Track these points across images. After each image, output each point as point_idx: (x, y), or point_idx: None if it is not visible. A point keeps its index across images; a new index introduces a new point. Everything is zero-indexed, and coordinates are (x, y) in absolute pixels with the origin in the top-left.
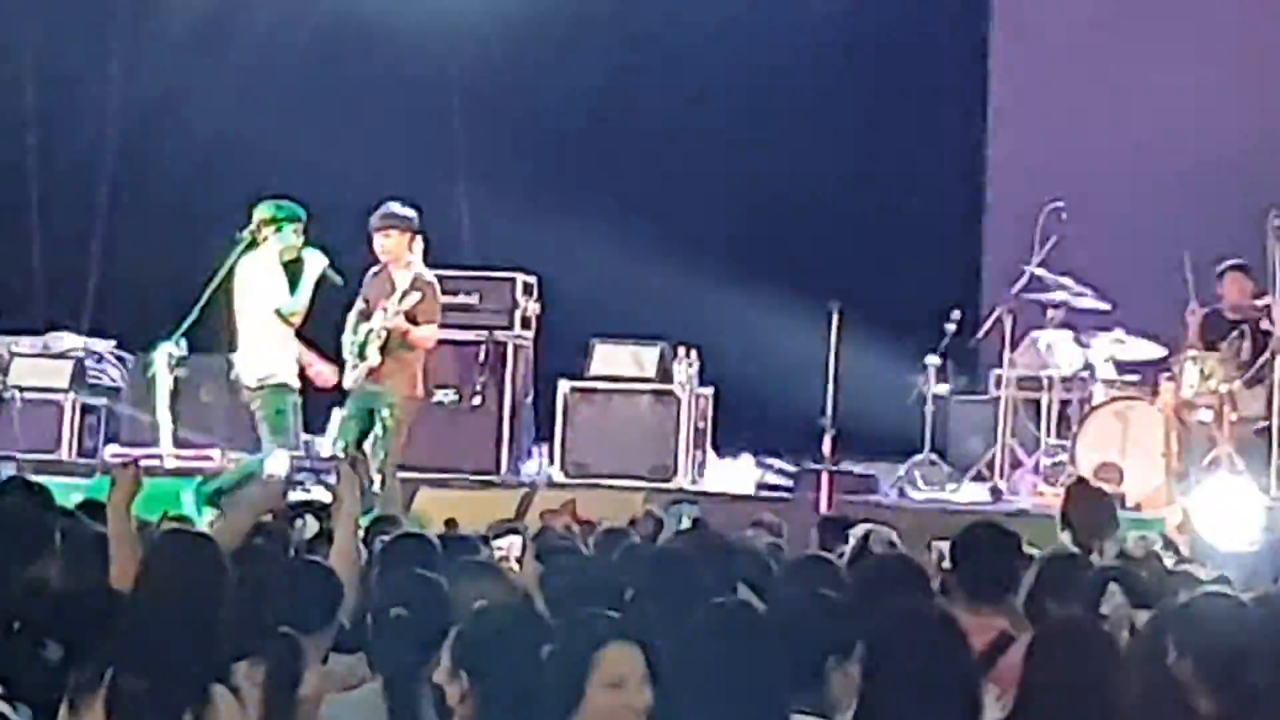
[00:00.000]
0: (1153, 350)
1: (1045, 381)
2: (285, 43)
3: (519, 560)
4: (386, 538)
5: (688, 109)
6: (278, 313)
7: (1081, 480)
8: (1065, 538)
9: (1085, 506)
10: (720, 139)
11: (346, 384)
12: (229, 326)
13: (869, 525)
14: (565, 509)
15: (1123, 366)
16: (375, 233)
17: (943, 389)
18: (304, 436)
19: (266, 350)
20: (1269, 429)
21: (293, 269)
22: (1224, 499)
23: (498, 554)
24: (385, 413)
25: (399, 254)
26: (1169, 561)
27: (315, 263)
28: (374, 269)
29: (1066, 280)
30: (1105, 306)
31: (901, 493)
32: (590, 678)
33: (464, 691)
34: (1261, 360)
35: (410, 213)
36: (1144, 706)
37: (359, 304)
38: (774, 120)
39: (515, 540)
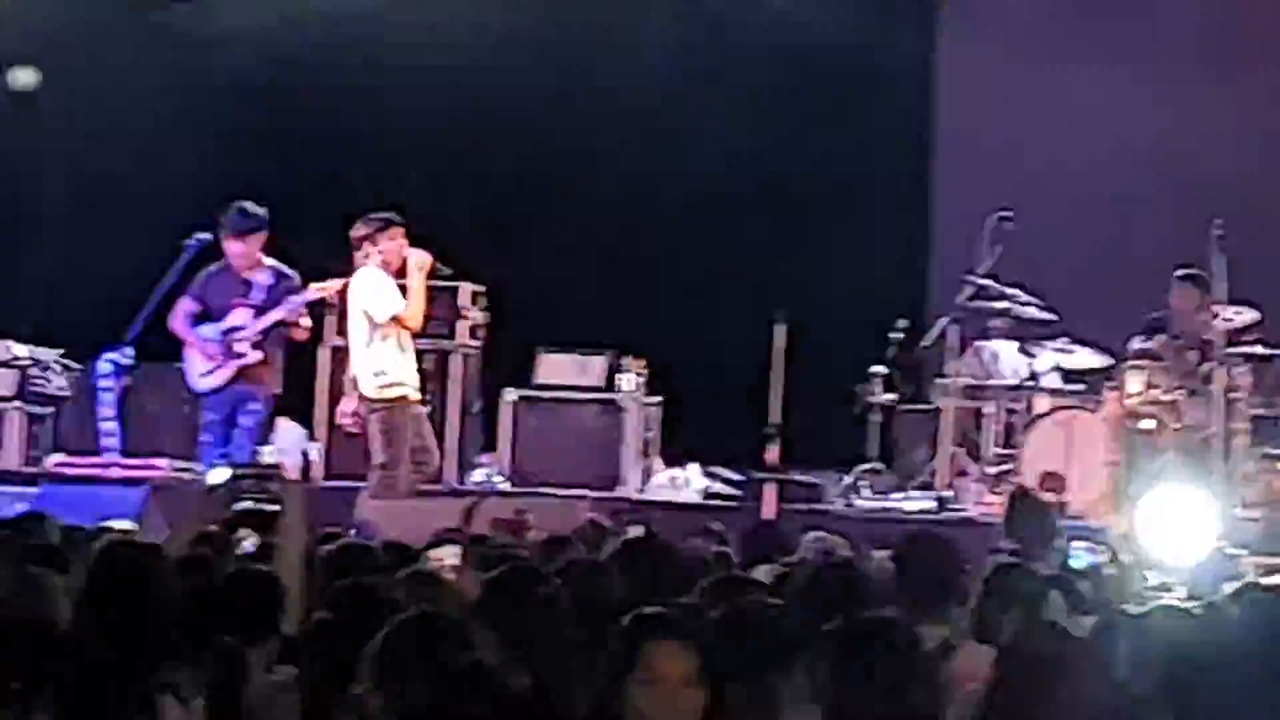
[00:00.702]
0: (1098, 359)
1: (990, 391)
2: (228, 51)
3: (456, 570)
4: (330, 547)
5: (636, 118)
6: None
7: (1024, 489)
8: (1008, 546)
9: (1028, 515)
10: (669, 149)
11: (217, 383)
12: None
13: (818, 533)
14: (514, 518)
15: (1068, 376)
16: (243, 235)
17: (888, 398)
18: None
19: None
20: (1212, 438)
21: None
22: (1169, 508)
23: (434, 564)
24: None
25: (259, 255)
26: (1111, 571)
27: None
28: (213, 269)
29: (1013, 290)
30: (1051, 316)
31: (848, 501)
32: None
33: (383, 705)
34: (1205, 369)
35: (265, 212)
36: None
37: (192, 305)
38: (723, 131)
39: (452, 550)
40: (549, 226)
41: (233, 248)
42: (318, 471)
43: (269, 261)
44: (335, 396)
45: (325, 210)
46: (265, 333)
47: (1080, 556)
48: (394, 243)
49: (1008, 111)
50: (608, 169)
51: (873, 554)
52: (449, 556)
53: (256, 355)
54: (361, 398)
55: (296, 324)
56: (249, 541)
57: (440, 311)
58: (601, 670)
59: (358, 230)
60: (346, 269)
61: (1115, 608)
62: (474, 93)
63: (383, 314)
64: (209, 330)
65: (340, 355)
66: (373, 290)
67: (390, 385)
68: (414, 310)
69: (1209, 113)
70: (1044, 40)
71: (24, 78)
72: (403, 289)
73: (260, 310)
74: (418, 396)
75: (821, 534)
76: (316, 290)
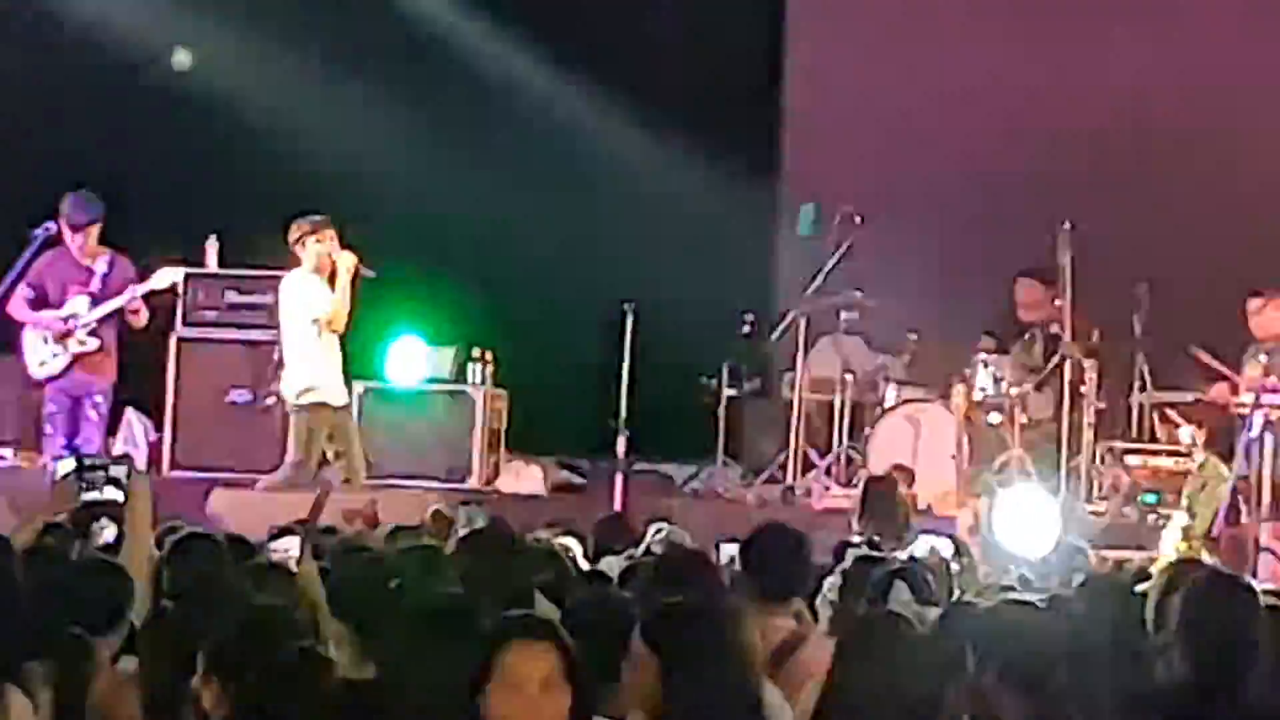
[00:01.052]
0: (945, 353)
1: (838, 384)
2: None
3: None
4: (175, 538)
5: (478, 107)
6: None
7: (877, 478)
8: (859, 535)
9: (880, 505)
10: (514, 140)
11: (54, 370)
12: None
13: (664, 524)
14: (365, 509)
15: (915, 369)
16: (81, 223)
17: (736, 391)
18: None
19: None
20: (1058, 431)
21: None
22: (1016, 502)
23: (277, 555)
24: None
25: (96, 243)
26: (956, 563)
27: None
28: (51, 256)
29: (861, 285)
30: (899, 309)
31: (695, 493)
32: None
33: (217, 696)
34: (1051, 364)
35: (101, 201)
36: (945, 712)
37: (29, 291)
38: (566, 121)
39: (294, 540)
40: (396, 220)
41: (71, 236)
42: (165, 463)
43: (106, 249)
44: (182, 387)
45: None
46: (103, 321)
47: (925, 548)
48: (322, 245)
49: (856, 106)
50: (455, 162)
51: (722, 546)
52: (290, 548)
53: (94, 343)
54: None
55: (135, 311)
56: (109, 531)
57: None
58: (459, 672)
59: (291, 233)
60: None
61: (959, 599)
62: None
63: (304, 317)
64: (48, 315)
65: (184, 346)
66: (297, 293)
67: (307, 390)
68: (337, 312)
69: (1061, 112)
70: (894, 37)
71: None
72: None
73: (98, 298)
74: (341, 401)
75: (667, 525)
76: (155, 281)
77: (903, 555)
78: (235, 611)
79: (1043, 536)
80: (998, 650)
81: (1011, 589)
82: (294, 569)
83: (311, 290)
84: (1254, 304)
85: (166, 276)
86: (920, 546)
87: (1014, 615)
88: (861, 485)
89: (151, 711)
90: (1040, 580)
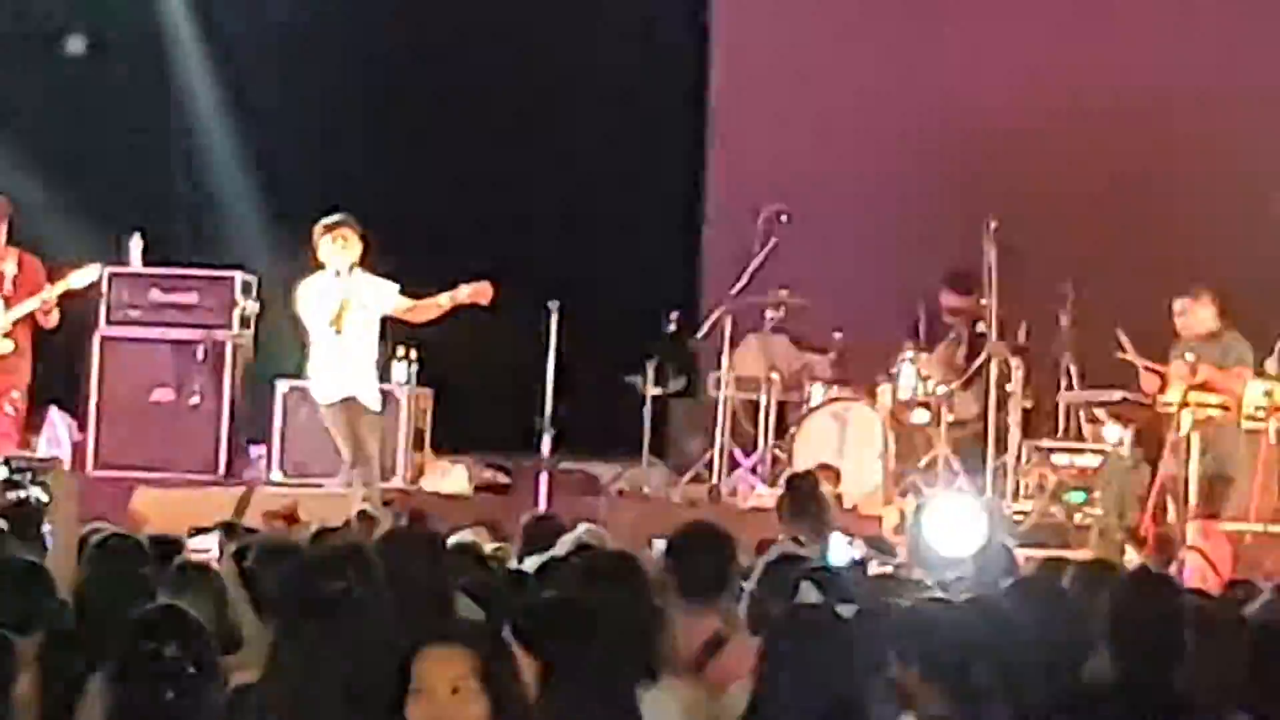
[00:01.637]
0: (871, 352)
1: (764, 383)
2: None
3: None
4: (96, 537)
5: (403, 107)
6: None
7: (798, 475)
8: (783, 534)
9: (804, 504)
10: (437, 137)
11: None
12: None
13: (586, 525)
14: (286, 509)
15: (841, 368)
16: None
17: (661, 389)
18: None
19: None
20: (985, 430)
21: None
22: (944, 501)
23: (199, 555)
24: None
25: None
26: (876, 563)
27: None
28: None
29: (786, 284)
30: (825, 308)
31: (620, 492)
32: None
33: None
34: (977, 363)
35: (5, 200)
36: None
37: None
38: (492, 118)
39: (213, 540)
40: (320, 214)
41: None
42: (89, 462)
43: (14, 249)
44: (105, 386)
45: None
46: (17, 322)
47: (840, 548)
48: (333, 245)
49: (783, 104)
50: (376, 159)
51: (654, 543)
52: (210, 547)
53: (7, 345)
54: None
55: (47, 312)
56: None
57: (213, 301)
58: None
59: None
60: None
61: (881, 598)
62: (246, 79)
63: (318, 319)
64: None
65: (108, 345)
66: (300, 297)
67: (330, 390)
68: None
69: (987, 110)
70: (820, 35)
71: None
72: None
73: (9, 300)
74: (366, 401)
75: (592, 525)
76: (71, 280)
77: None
78: (133, 610)
79: (969, 536)
80: (918, 647)
81: (934, 588)
82: (215, 568)
83: (321, 291)
84: (1179, 304)
85: (83, 276)
86: (835, 546)
87: (933, 613)
88: (787, 482)
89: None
90: (966, 580)
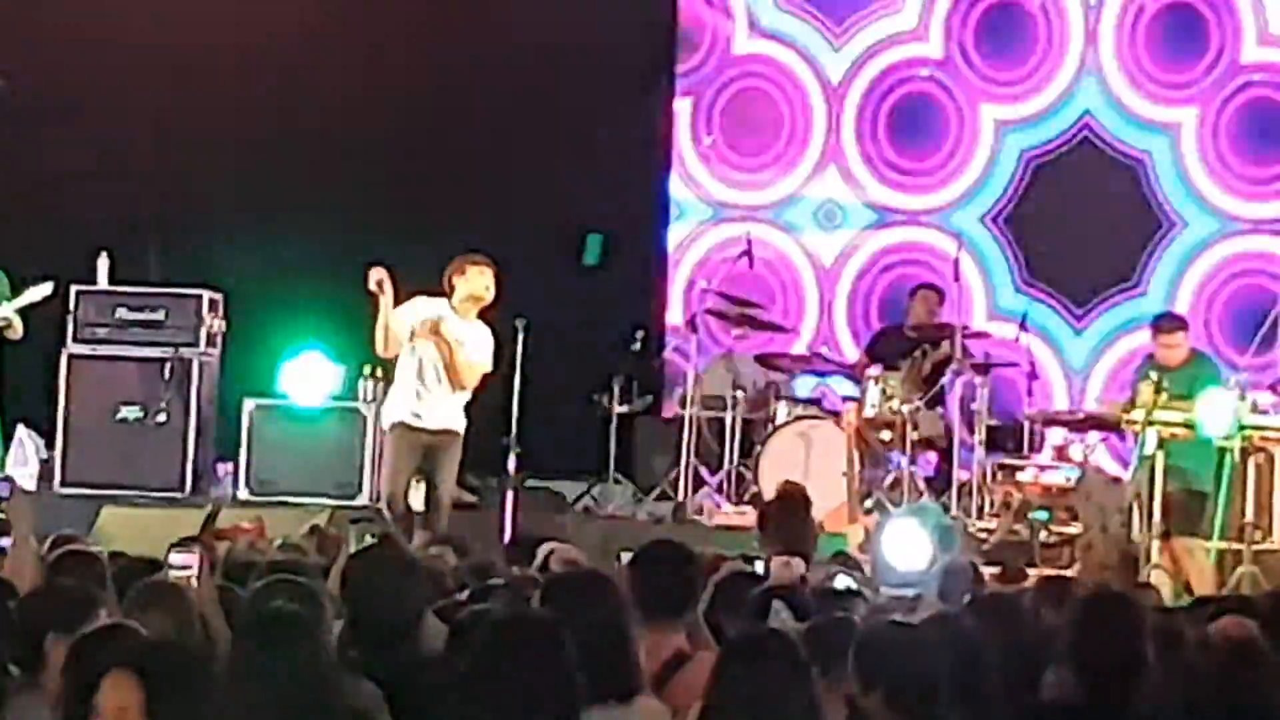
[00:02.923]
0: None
1: (729, 401)
2: None
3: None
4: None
5: (368, 124)
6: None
7: (781, 493)
8: (765, 551)
9: (785, 521)
10: (404, 156)
11: None
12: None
13: (553, 544)
14: (253, 527)
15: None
16: None
17: (627, 407)
18: None
19: None
20: (949, 448)
21: None
22: (907, 519)
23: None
24: None
25: None
26: (841, 581)
27: None
28: None
29: (753, 300)
30: (788, 326)
31: (587, 511)
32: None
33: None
34: (942, 380)
35: None
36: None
37: None
38: (458, 136)
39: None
40: (286, 232)
41: None
42: (56, 480)
43: None
44: (73, 404)
45: None
46: None
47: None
48: (459, 279)
49: None
50: (346, 175)
51: (623, 557)
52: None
53: None
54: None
55: (8, 326)
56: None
57: (180, 319)
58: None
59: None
60: None
61: (839, 618)
62: (211, 95)
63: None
64: None
65: (75, 363)
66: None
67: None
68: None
69: None
70: None
71: None
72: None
73: None
74: (419, 424)
75: (556, 544)
76: (28, 296)
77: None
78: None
79: (933, 554)
80: (880, 670)
81: (895, 608)
82: (181, 585)
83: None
84: (1177, 337)
85: (38, 292)
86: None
87: (895, 635)
88: (763, 502)
89: None
90: (930, 597)
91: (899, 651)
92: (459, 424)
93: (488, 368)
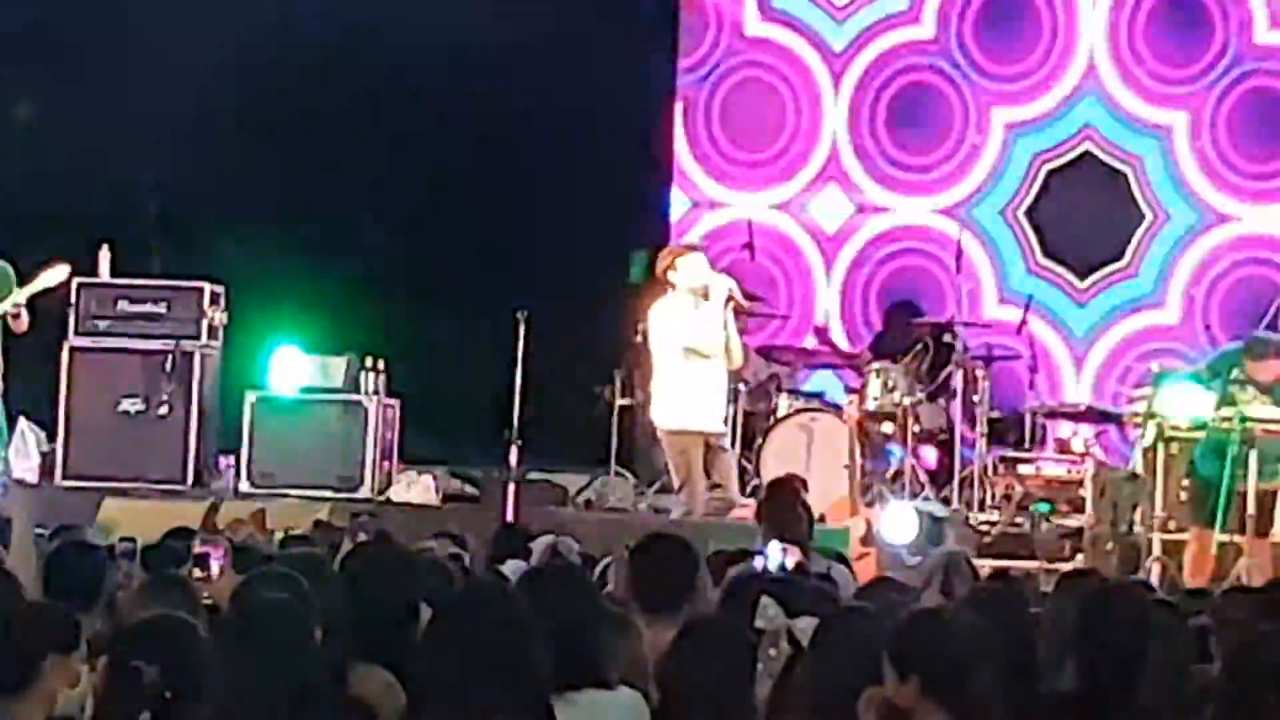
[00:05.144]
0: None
1: (732, 393)
2: None
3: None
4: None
5: (372, 115)
6: None
7: (777, 482)
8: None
9: (780, 510)
10: (405, 146)
11: None
12: None
13: (552, 536)
14: (253, 520)
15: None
16: None
17: (629, 400)
18: None
19: None
20: (951, 441)
21: None
22: (908, 511)
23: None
24: None
25: None
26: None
27: None
28: None
29: (754, 293)
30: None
31: (588, 504)
32: None
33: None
34: (943, 374)
35: None
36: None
37: None
38: (458, 127)
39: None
40: (287, 225)
41: None
42: (58, 472)
43: None
44: (74, 397)
45: None
46: None
47: (775, 558)
48: (682, 273)
49: None
50: (347, 168)
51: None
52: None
53: None
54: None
55: (16, 316)
56: None
57: (181, 312)
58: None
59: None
60: None
61: (851, 608)
62: (209, 90)
63: (671, 344)
64: None
65: (77, 355)
66: (663, 320)
67: (674, 418)
68: (714, 342)
69: None
70: None
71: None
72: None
73: None
74: (713, 429)
75: (554, 537)
76: (41, 281)
77: (758, 564)
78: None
79: (932, 546)
80: (918, 661)
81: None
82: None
83: (677, 317)
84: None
85: (53, 276)
86: (769, 556)
87: (929, 625)
88: (763, 491)
89: None
90: (929, 589)
91: (935, 638)
92: None
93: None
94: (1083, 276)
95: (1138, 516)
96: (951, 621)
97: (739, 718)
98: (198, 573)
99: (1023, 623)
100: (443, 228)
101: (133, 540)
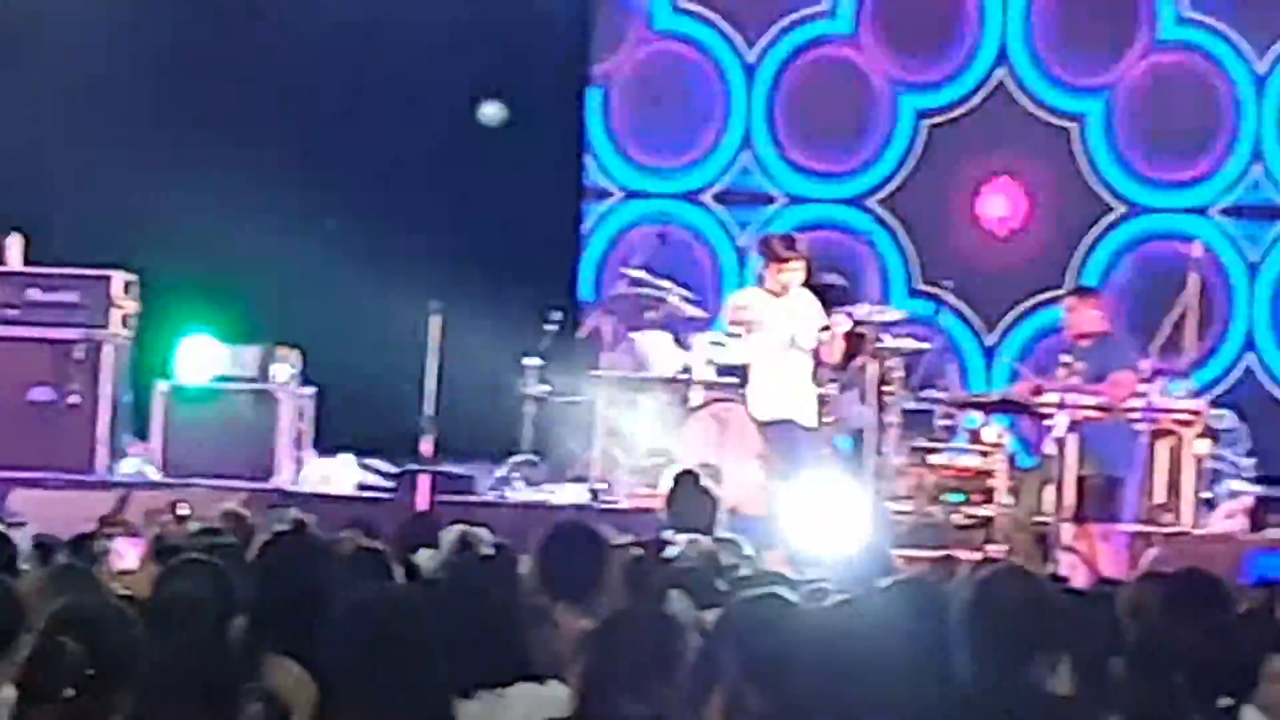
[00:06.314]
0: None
1: (644, 383)
2: None
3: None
4: None
5: (287, 106)
6: None
7: (683, 471)
8: (668, 531)
9: (686, 497)
10: (320, 137)
11: None
12: None
13: (463, 526)
14: (167, 509)
15: (721, 369)
16: None
17: (542, 390)
18: None
19: None
20: (862, 432)
21: None
22: (821, 502)
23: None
24: None
25: None
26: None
27: None
28: None
29: (666, 283)
30: (702, 313)
31: (501, 493)
32: None
33: None
34: (855, 364)
35: None
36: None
37: None
38: (374, 119)
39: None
40: (199, 214)
41: None
42: None
43: None
44: None
45: None
46: None
47: (682, 548)
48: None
49: None
50: (259, 159)
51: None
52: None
53: None
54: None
55: None
56: None
57: (92, 301)
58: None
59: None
60: None
61: (737, 600)
62: (123, 78)
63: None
64: None
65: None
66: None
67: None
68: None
69: None
70: None
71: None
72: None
73: None
74: (806, 422)
75: (465, 527)
76: None
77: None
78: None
79: (846, 537)
80: (743, 642)
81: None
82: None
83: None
84: (1068, 302)
85: None
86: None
87: (762, 610)
88: (673, 479)
89: None
90: (843, 581)
91: (761, 623)
92: None
93: None
94: None
95: (1048, 506)
96: (783, 610)
97: (661, 709)
98: (115, 563)
99: (937, 615)
100: (358, 218)
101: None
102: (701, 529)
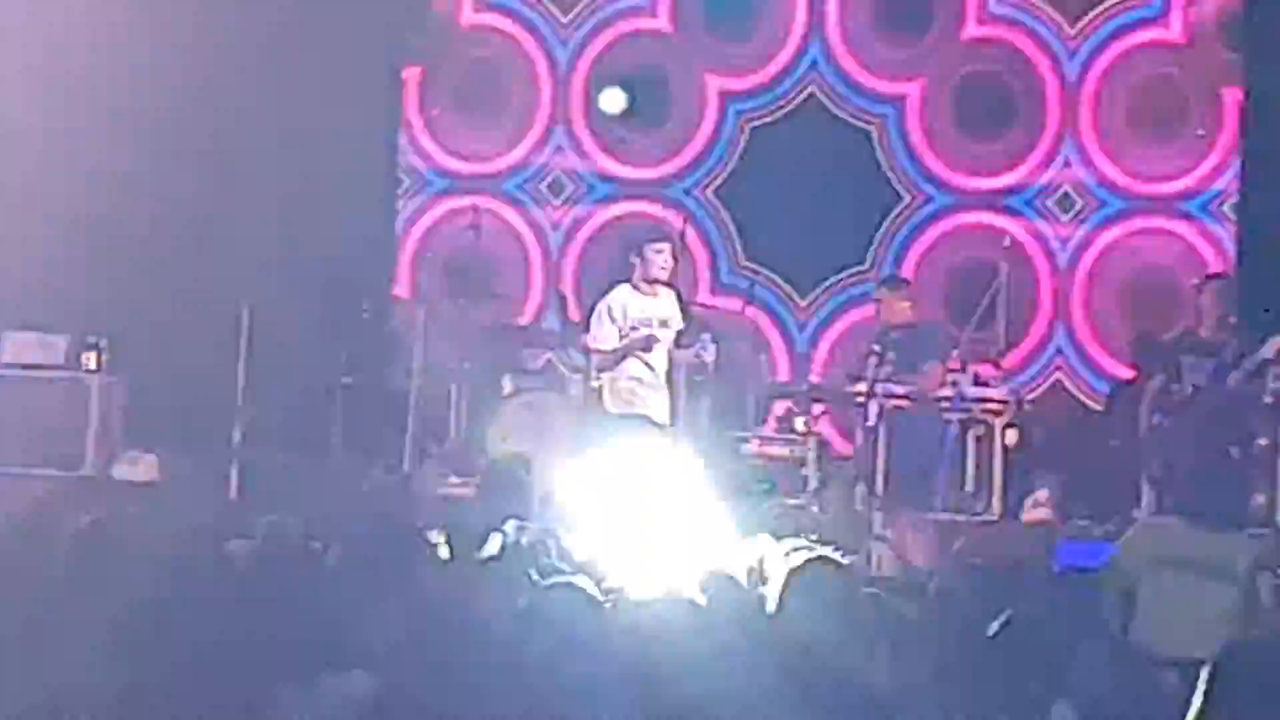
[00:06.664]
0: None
1: (458, 372)
2: None
3: None
4: None
5: (97, 91)
6: None
7: (497, 460)
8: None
9: (501, 487)
10: (137, 134)
11: None
12: None
13: (274, 516)
14: None
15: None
16: None
17: (354, 379)
18: None
19: None
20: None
21: None
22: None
23: None
24: None
25: None
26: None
27: None
28: None
29: (481, 272)
30: (514, 297)
31: (314, 482)
32: None
33: None
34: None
35: None
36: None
37: None
38: (192, 117)
39: None
40: (12, 203)
41: None
42: None
43: None
44: None
45: None
46: None
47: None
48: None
49: None
50: (75, 149)
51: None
52: None
53: None
54: None
55: None
56: None
57: None
58: None
59: None
60: None
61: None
62: None
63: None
64: None
65: None
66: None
67: None
68: None
69: None
70: None
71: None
72: None
73: None
74: None
75: (277, 517)
76: None
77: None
78: None
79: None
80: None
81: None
82: None
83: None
84: (877, 293)
85: None
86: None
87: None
88: (485, 468)
89: None
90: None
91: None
92: None
93: None
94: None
95: (858, 496)
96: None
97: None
98: None
99: (750, 607)
100: (169, 208)
101: None
102: (517, 515)
